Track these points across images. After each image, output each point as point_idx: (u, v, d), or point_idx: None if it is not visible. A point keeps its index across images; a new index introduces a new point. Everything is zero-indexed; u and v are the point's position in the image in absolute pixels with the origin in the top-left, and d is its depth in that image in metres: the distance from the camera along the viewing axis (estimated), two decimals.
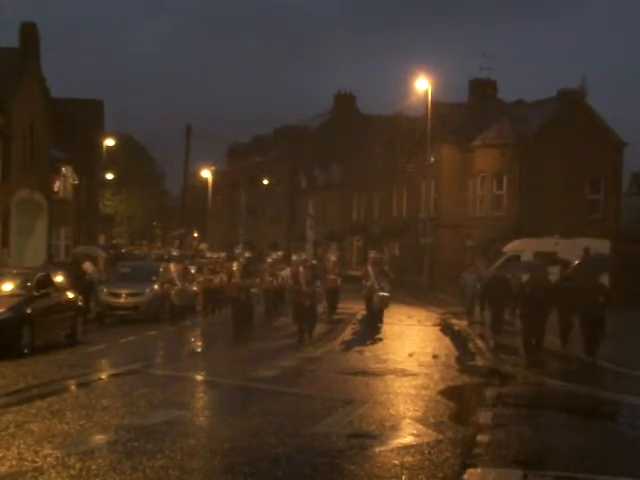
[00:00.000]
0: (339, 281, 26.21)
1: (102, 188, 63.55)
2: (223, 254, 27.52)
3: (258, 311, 23.93)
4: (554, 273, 20.03)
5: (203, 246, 28.85)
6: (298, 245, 62.87)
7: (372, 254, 25.02)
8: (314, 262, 24.77)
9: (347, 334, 22.22)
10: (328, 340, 20.55)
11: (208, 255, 30.82)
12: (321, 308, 24.13)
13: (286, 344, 19.44)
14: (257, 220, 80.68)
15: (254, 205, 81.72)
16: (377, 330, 22.04)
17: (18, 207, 36.57)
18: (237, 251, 27.30)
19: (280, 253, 29.03)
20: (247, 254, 24.87)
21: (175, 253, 29.49)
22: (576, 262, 20.15)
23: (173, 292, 24.70)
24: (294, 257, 28.59)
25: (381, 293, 22.64)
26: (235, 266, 22.52)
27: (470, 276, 27.57)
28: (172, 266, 25.58)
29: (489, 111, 49.10)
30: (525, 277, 19.24)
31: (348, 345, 19.60)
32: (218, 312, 26.71)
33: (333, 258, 27.79)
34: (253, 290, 21.88)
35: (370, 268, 23.17)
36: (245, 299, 20.75)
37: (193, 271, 28.08)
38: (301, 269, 20.96)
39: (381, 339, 20.57)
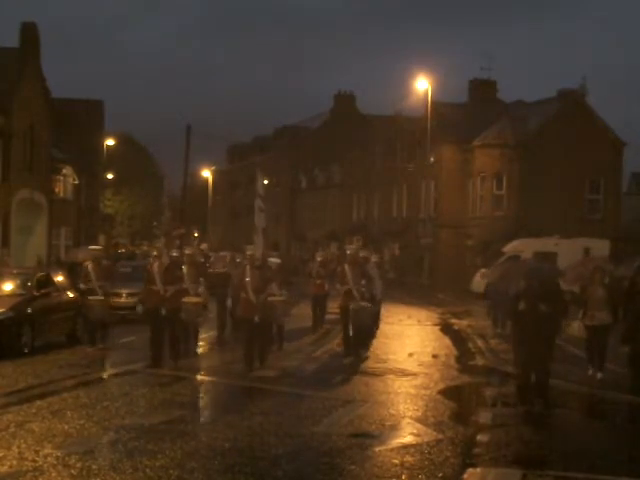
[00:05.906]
0: (326, 286, 21.28)
1: (102, 188, 63.52)
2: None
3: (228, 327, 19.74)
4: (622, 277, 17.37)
5: (204, 246, 27.93)
6: (298, 244, 61.04)
7: (351, 250, 18.85)
8: (275, 260, 18.08)
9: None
10: (327, 340, 20.48)
11: (154, 254, 21.08)
12: (284, 322, 17.87)
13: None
14: None
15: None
16: (358, 355, 16.56)
17: (18, 207, 36.57)
18: (160, 247, 20.21)
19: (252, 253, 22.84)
20: (174, 252, 17.33)
21: (97, 247, 19.46)
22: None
23: (91, 301, 17.69)
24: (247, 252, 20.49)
25: (357, 304, 16.48)
26: (156, 268, 16.05)
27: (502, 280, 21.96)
28: (89, 266, 18.02)
29: (489, 111, 49.09)
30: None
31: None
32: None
33: (319, 259, 22.54)
34: (197, 299, 16.17)
35: (348, 268, 16.82)
36: (168, 313, 15.40)
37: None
38: (249, 270, 15.10)
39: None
